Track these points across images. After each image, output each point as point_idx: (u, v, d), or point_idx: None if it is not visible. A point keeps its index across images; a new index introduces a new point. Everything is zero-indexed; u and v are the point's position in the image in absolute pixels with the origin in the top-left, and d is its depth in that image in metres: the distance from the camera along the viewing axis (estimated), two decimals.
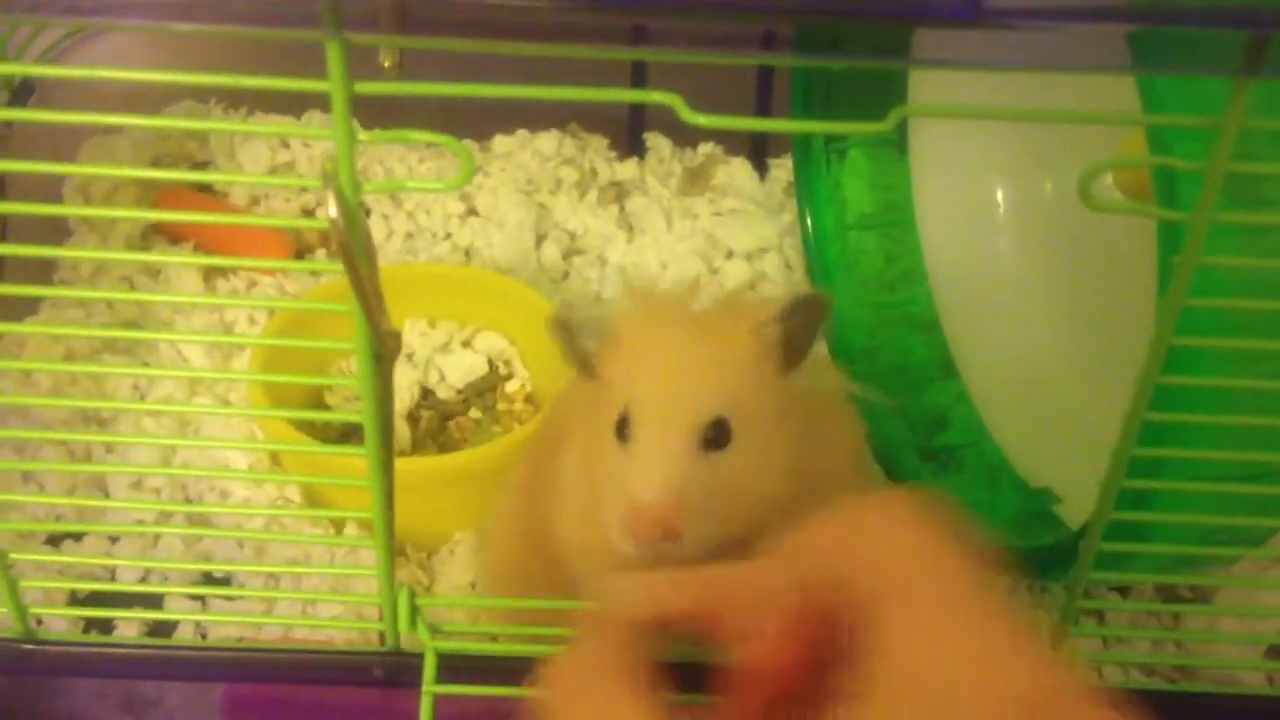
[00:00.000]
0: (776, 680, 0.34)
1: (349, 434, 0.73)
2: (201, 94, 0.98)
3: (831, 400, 0.53)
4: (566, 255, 0.90)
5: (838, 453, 0.52)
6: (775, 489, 0.46)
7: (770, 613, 0.34)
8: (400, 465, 0.47)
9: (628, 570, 0.43)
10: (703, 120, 0.37)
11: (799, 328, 0.47)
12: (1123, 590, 0.67)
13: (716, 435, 0.45)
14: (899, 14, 0.37)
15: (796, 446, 0.47)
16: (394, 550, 0.48)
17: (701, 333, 0.47)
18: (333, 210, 0.37)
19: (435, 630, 0.50)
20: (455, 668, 0.50)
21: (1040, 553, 0.60)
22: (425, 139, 0.40)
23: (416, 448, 0.74)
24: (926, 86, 0.75)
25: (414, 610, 0.50)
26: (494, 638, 0.54)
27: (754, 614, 0.35)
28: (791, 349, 0.48)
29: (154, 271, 0.85)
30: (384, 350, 0.42)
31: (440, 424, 0.76)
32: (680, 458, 0.44)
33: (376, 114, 0.84)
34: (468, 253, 0.90)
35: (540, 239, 0.90)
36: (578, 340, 0.49)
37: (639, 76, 0.91)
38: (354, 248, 0.38)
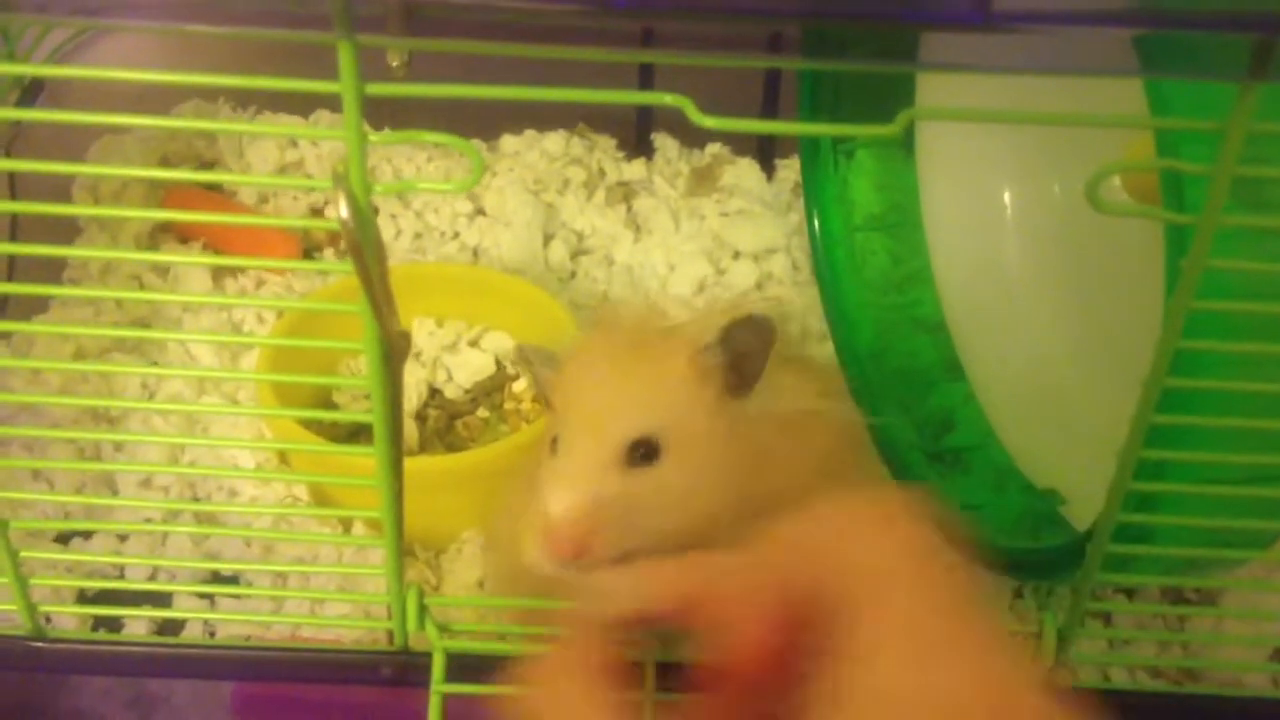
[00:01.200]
0: (750, 677, 0.34)
1: (357, 433, 0.73)
2: (209, 93, 0.98)
3: (799, 419, 0.52)
4: (574, 255, 0.90)
5: (803, 472, 0.51)
6: (709, 507, 0.46)
7: (749, 606, 0.34)
8: (408, 464, 0.47)
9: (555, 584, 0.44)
10: (712, 122, 0.37)
11: (746, 351, 0.47)
12: (1129, 592, 0.67)
13: (642, 453, 0.45)
14: (907, 17, 0.37)
15: (745, 466, 0.47)
16: (403, 549, 0.48)
17: (635, 357, 0.48)
18: (344, 211, 0.37)
19: (444, 629, 0.51)
20: (464, 667, 0.50)
21: (1047, 554, 0.60)
22: (435, 139, 0.40)
23: (424, 447, 0.74)
24: (934, 88, 0.74)
25: (423, 609, 0.50)
26: (502, 637, 0.54)
27: (733, 606, 0.34)
28: (739, 372, 0.48)
29: (163, 270, 0.86)
30: (394, 350, 0.42)
31: (448, 423, 0.76)
32: (595, 472, 0.44)
33: (383, 113, 0.85)
34: (475, 252, 0.90)
35: (548, 239, 0.90)
36: (536, 370, 0.51)
37: (647, 77, 0.91)
38: (365, 248, 0.38)
